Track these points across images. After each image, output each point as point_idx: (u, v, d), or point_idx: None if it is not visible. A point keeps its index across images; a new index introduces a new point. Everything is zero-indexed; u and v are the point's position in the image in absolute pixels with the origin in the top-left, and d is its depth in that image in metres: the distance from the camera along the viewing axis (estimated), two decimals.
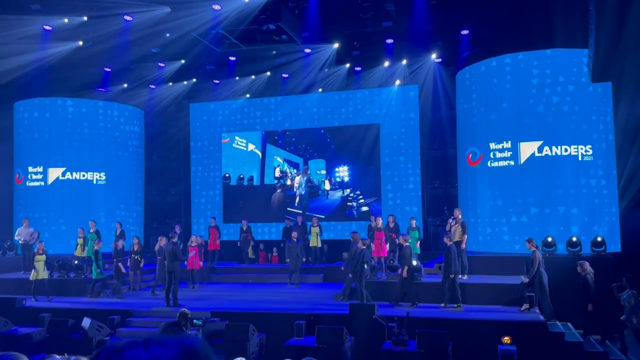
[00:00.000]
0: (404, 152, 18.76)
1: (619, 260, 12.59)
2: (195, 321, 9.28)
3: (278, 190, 19.86)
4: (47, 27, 15.80)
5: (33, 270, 12.96)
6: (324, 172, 19.55)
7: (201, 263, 15.28)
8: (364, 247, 11.57)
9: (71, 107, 18.38)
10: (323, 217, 18.90)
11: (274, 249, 17.97)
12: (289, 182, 19.82)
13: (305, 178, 19.53)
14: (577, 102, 14.12)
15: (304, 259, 15.27)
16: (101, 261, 13.40)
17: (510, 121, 14.62)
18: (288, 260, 15.02)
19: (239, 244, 17.43)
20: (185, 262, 14.04)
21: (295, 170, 19.74)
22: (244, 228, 17.27)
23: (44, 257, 12.92)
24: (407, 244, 11.83)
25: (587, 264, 11.04)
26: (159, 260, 14.30)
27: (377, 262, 13.49)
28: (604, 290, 10.93)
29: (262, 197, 20.04)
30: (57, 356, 4.51)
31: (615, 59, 10.43)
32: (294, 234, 15.12)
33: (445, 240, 11.42)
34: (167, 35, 15.32)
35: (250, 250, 17.47)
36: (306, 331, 9.97)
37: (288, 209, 19.57)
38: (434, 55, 17.70)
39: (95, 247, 13.58)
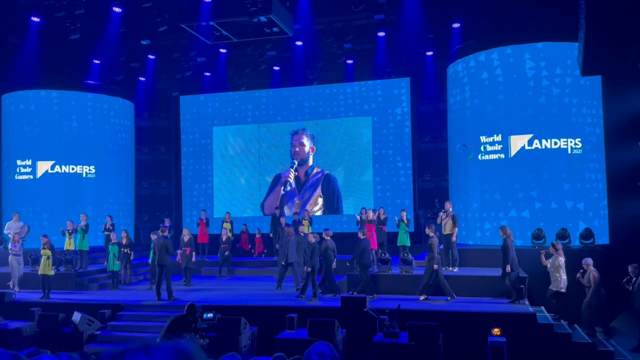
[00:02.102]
0: (395, 145, 18.79)
1: (608, 252, 12.73)
2: (205, 315, 9.22)
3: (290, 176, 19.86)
4: (35, 19, 15.61)
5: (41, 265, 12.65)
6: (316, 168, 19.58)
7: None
8: (315, 241, 11.83)
9: (61, 100, 18.18)
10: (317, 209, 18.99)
11: (257, 231, 17.80)
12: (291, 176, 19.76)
13: (311, 169, 19.48)
14: (566, 95, 14.21)
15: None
16: (118, 254, 13.69)
17: (500, 114, 14.69)
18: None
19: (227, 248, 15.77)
20: (177, 257, 14.00)
21: (296, 163, 19.67)
22: (223, 238, 15.39)
23: (48, 252, 12.56)
24: (329, 238, 12.08)
25: (508, 228, 11.26)
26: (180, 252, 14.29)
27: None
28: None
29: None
30: (48, 352, 4.49)
31: (605, 52, 10.48)
32: (301, 228, 14.24)
33: (428, 232, 11.57)
34: (160, 29, 15.15)
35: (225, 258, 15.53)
36: (298, 324, 10.00)
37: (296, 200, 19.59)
38: (425, 49, 17.71)
39: (113, 240, 13.85)
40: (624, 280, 10.75)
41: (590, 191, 14.14)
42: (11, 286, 13.45)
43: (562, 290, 10.70)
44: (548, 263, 10.98)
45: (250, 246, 17.81)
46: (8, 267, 15.33)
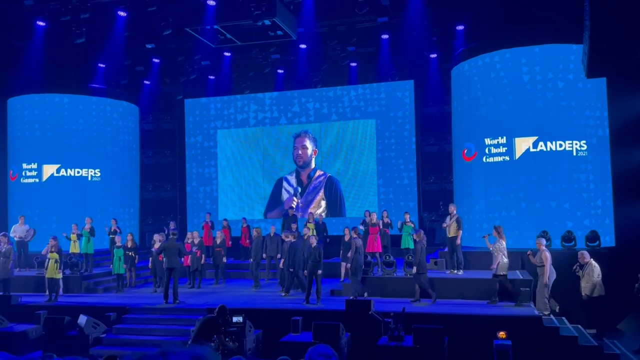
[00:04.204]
0: (399, 148, 18.77)
1: (613, 254, 12.68)
2: (234, 319, 9.20)
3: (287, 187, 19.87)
4: (41, 23, 15.70)
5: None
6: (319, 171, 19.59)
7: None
8: (291, 239, 12.51)
9: (67, 104, 18.28)
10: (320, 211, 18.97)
11: (244, 220, 17.21)
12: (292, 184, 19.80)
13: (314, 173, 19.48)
14: (570, 97, 14.17)
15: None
16: (123, 257, 13.76)
17: (505, 117, 14.66)
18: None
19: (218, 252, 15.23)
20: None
21: (299, 189, 19.61)
22: (218, 241, 15.16)
23: (55, 255, 12.51)
24: (289, 239, 12.63)
25: (422, 232, 11.87)
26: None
27: (373, 257, 13.54)
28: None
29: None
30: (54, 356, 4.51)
31: (610, 54, 10.45)
32: (306, 231, 14.04)
33: (353, 233, 12.35)
34: (164, 33, 15.21)
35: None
36: (303, 327, 10.00)
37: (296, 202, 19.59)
38: (429, 51, 17.71)
39: (118, 243, 13.86)
40: (574, 267, 11.18)
41: (590, 191, 14.08)
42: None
43: (502, 273, 10.91)
44: (491, 247, 11.27)
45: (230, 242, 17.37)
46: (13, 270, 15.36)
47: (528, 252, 11.38)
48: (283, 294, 12.62)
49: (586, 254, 11.15)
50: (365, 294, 11.84)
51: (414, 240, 11.90)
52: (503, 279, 10.87)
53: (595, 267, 10.90)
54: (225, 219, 17.50)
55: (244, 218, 17.54)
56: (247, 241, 16.54)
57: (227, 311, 8.16)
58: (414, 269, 11.33)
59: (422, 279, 11.32)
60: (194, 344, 7.66)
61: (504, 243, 11.02)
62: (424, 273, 11.36)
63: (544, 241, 11.08)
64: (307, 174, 19.67)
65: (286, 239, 12.82)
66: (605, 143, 14.12)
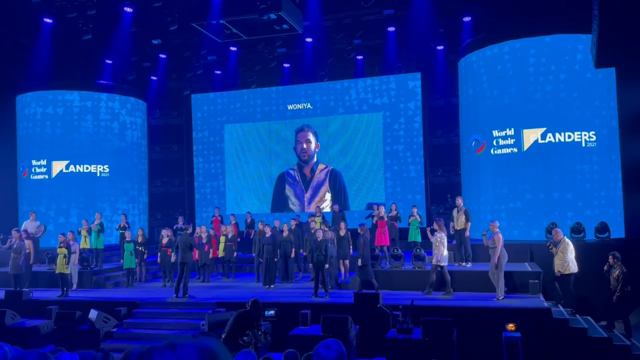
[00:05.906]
0: (407, 141, 18.70)
1: (623, 246, 12.58)
2: (267, 313, 9.21)
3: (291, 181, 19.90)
4: (48, 20, 15.77)
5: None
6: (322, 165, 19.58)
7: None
8: (323, 237, 12.90)
9: (75, 101, 18.37)
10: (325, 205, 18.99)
11: (232, 217, 17.06)
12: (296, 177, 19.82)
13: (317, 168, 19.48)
14: (579, 88, 14.05)
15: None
16: (134, 251, 13.97)
17: (513, 108, 14.57)
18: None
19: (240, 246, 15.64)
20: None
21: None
22: (229, 236, 15.02)
23: (64, 250, 12.62)
24: (271, 233, 13.19)
25: (365, 226, 12.42)
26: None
27: (381, 250, 13.54)
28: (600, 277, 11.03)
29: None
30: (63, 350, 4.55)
31: (619, 43, 10.34)
32: (313, 225, 14.11)
33: (324, 227, 12.61)
34: (170, 28, 15.23)
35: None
36: (312, 320, 10.03)
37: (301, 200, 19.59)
38: (436, 43, 17.60)
39: (127, 238, 13.99)
40: (548, 244, 11.41)
41: (599, 182, 13.97)
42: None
43: (442, 264, 11.18)
44: (432, 239, 11.51)
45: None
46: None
47: (483, 233, 11.55)
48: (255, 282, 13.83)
49: (560, 232, 11.34)
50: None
51: (357, 234, 12.21)
52: (442, 270, 11.17)
53: (569, 245, 11.08)
54: (232, 215, 17.57)
55: (232, 215, 17.30)
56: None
57: (260, 305, 8.13)
58: (359, 262, 11.72)
59: (365, 270, 11.66)
60: (227, 339, 7.67)
61: (444, 236, 11.38)
62: (367, 265, 11.70)
63: (497, 223, 11.29)
64: (310, 168, 19.68)
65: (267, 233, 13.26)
66: (615, 134, 14.00)
